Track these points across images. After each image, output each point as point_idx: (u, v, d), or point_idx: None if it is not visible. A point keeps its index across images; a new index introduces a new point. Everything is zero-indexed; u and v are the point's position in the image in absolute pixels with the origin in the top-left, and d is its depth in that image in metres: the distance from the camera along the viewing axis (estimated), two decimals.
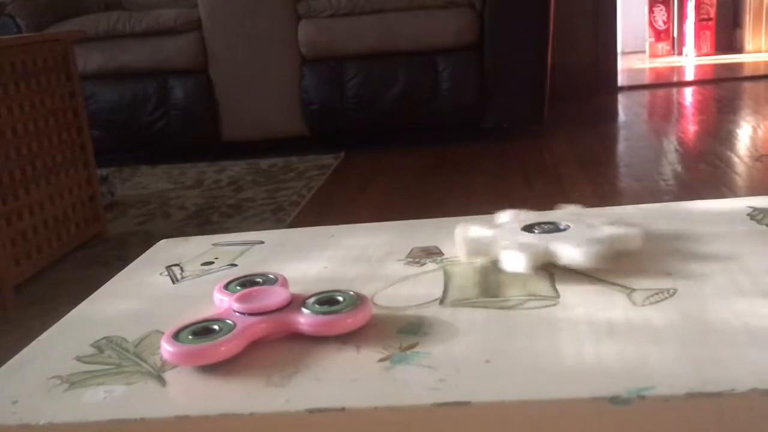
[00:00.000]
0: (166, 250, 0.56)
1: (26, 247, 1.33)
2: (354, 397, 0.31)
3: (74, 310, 0.45)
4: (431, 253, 0.49)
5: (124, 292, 0.48)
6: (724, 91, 2.86)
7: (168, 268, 0.51)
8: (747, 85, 2.97)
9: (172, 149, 2.38)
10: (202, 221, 1.66)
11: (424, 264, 0.47)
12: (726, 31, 3.91)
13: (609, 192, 1.63)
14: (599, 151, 2.07)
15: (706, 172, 1.72)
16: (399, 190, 1.81)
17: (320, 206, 1.72)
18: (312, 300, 0.39)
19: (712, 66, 3.55)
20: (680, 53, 4.02)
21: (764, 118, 2.31)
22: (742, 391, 0.29)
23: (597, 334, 0.35)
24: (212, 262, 0.52)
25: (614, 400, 0.29)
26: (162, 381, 0.35)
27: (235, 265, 0.50)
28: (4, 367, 0.38)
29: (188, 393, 0.33)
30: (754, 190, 1.55)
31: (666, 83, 3.22)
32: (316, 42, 2.24)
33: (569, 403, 0.30)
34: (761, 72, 3.20)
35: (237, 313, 0.38)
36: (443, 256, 0.48)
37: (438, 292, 0.42)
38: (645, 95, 2.99)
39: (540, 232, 0.45)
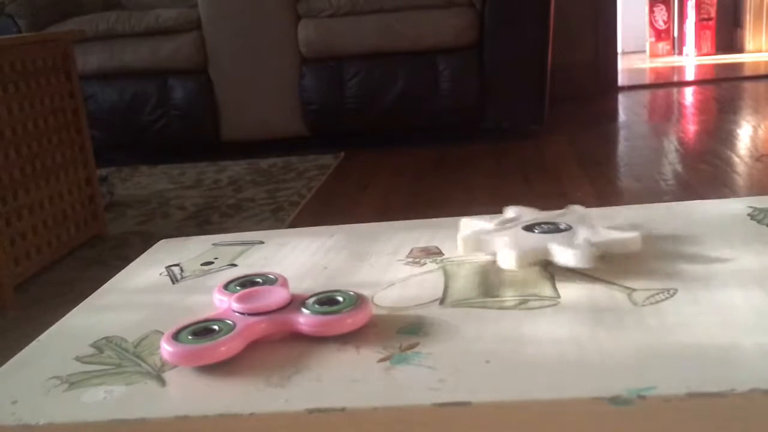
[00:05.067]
0: (166, 250, 0.56)
1: (26, 247, 1.33)
2: (354, 398, 0.31)
3: (74, 311, 0.45)
4: (431, 253, 0.49)
5: (123, 292, 0.48)
6: (725, 91, 2.86)
7: (168, 268, 0.51)
8: (747, 85, 2.97)
9: (171, 149, 2.38)
10: (202, 221, 1.66)
11: (424, 264, 0.47)
12: (726, 30, 3.91)
13: (609, 192, 1.63)
14: (599, 151, 2.07)
15: (706, 172, 1.72)
16: (399, 190, 1.81)
17: (320, 206, 1.72)
18: (312, 300, 0.39)
19: (713, 66, 3.55)
20: (680, 53, 4.02)
21: (765, 118, 2.31)
22: (743, 391, 0.29)
23: (597, 335, 0.35)
24: (212, 262, 0.52)
25: (615, 400, 0.29)
26: (162, 381, 0.35)
27: (235, 265, 0.50)
28: (3, 367, 0.38)
29: (188, 393, 0.33)
30: (755, 190, 1.55)
31: (666, 83, 3.22)
32: (316, 42, 2.24)
33: (569, 404, 0.30)
34: (762, 72, 3.20)
35: (237, 314, 0.38)
36: (443, 256, 0.48)
37: (438, 292, 0.42)
38: (645, 95, 2.99)
39: (540, 232, 0.45)
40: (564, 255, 0.42)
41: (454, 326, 0.37)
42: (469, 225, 0.48)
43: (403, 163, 2.09)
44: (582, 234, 0.44)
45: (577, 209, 0.50)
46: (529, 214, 0.49)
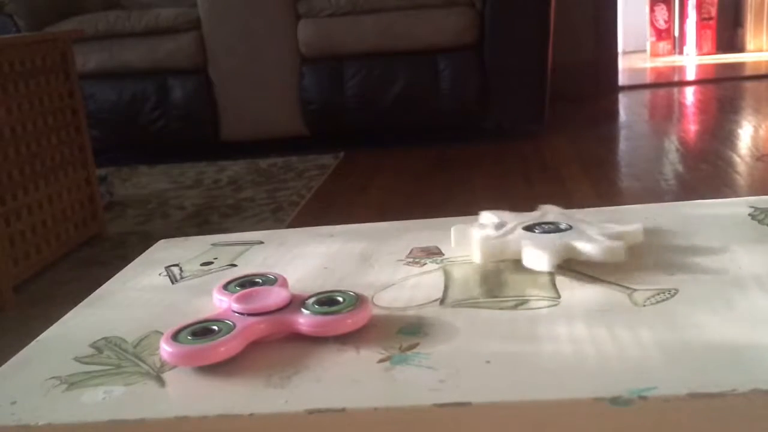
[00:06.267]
0: (165, 250, 0.56)
1: (25, 247, 1.33)
2: (354, 398, 0.31)
3: (73, 311, 0.45)
4: (431, 253, 0.49)
5: (123, 293, 0.48)
6: (726, 91, 2.86)
7: (167, 268, 0.51)
8: (748, 85, 2.97)
9: (171, 149, 2.38)
10: (202, 221, 1.66)
11: (424, 264, 0.47)
12: (727, 30, 3.91)
13: (610, 192, 1.63)
14: (600, 150, 2.07)
15: (707, 171, 1.72)
16: (399, 190, 1.81)
17: (320, 206, 1.71)
18: (312, 300, 0.39)
19: (714, 65, 3.55)
20: (681, 53, 4.02)
21: (765, 118, 2.31)
22: (743, 391, 0.29)
23: (597, 335, 0.35)
24: (211, 263, 0.51)
25: (615, 400, 0.29)
26: (161, 381, 0.34)
27: (235, 266, 0.50)
28: (3, 367, 0.38)
29: (187, 394, 0.33)
30: (756, 190, 1.55)
31: (667, 83, 3.22)
32: (316, 41, 2.24)
33: (570, 404, 0.30)
34: (762, 71, 3.19)
35: (236, 314, 0.38)
36: (443, 256, 0.48)
37: (438, 293, 0.42)
38: (646, 95, 2.99)
39: (540, 232, 0.45)
40: (591, 251, 0.42)
41: (454, 326, 0.37)
42: (469, 233, 0.47)
43: (403, 163, 2.09)
44: (594, 230, 0.44)
45: (552, 209, 0.49)
46: (511, 217, 0.48)
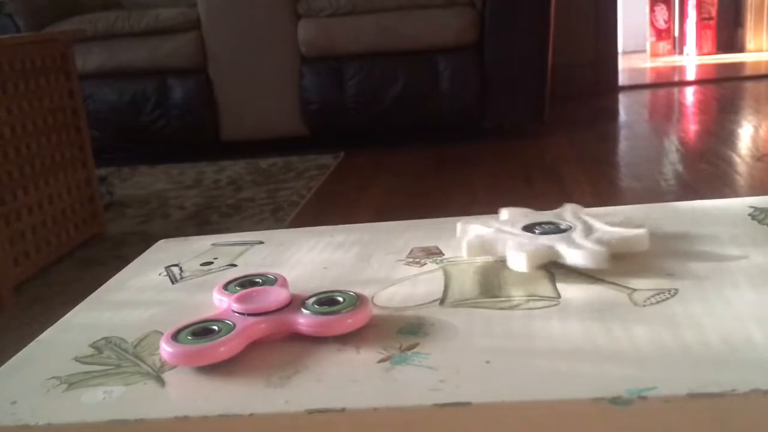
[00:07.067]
0: (166, 250, 0.56)
1: (25, 247, 1.33)
2: (354, 398, 0.31)
3: (73, 311, 0.45)
4: (431, 253, 0.49)
5: (123, 293, 0.48)
6: (725, 91, 2.86)
7: (167, 268, 0.51)
8: (748, 85, 2.97)
9: (171, 149, 2.38)
10: (202, 221, 1.66)
11: (424, 264, 0.47)
12: (727, 30, 3.91)
13: (610, 192, 1.63)
14: (600, 150, 2.07)
15: (707, 171, 1.72)
16: (399, 190, 1.81)
17: (320, 206, 1.71)
18: (312, 300, 0.39)
19: (714, 65, 3.55)
20: (681, 53, 4.02)
21: (765, 118, 2.31)
22: (744, 391, 0.29)
23: (597, 335, 0.35)
24: (212, 263, 0.51)
25: (615, 400, 0.29)
26: (161, 381, 0.34)
27: (235, 266, 0.50)
28: (3, 367, 0.38)
29: (187, 394, 0.33)
30: (756, 190, 1.55)
31: (667, 83, 3.22)
32: (316, 41, 2.24)
33: (570, 404, 0.30)
34: (762, 71, 3.20)
35: (236, 314, 0.38)
36: (443, 256, 0.48)
37: (438, 293, 0.42)
38: (646, 95, 2.99)
39: (540, 232, 0.45)
40: (574, 255, 0.42)
41: (454, 326, 0.37)
42: (469, 228, 0.48)
43: (403, 163, 2.09)
44: (587, 233, 0.44)
45: (573, 208, 0.49)
46: (525, 215, 0.48)
